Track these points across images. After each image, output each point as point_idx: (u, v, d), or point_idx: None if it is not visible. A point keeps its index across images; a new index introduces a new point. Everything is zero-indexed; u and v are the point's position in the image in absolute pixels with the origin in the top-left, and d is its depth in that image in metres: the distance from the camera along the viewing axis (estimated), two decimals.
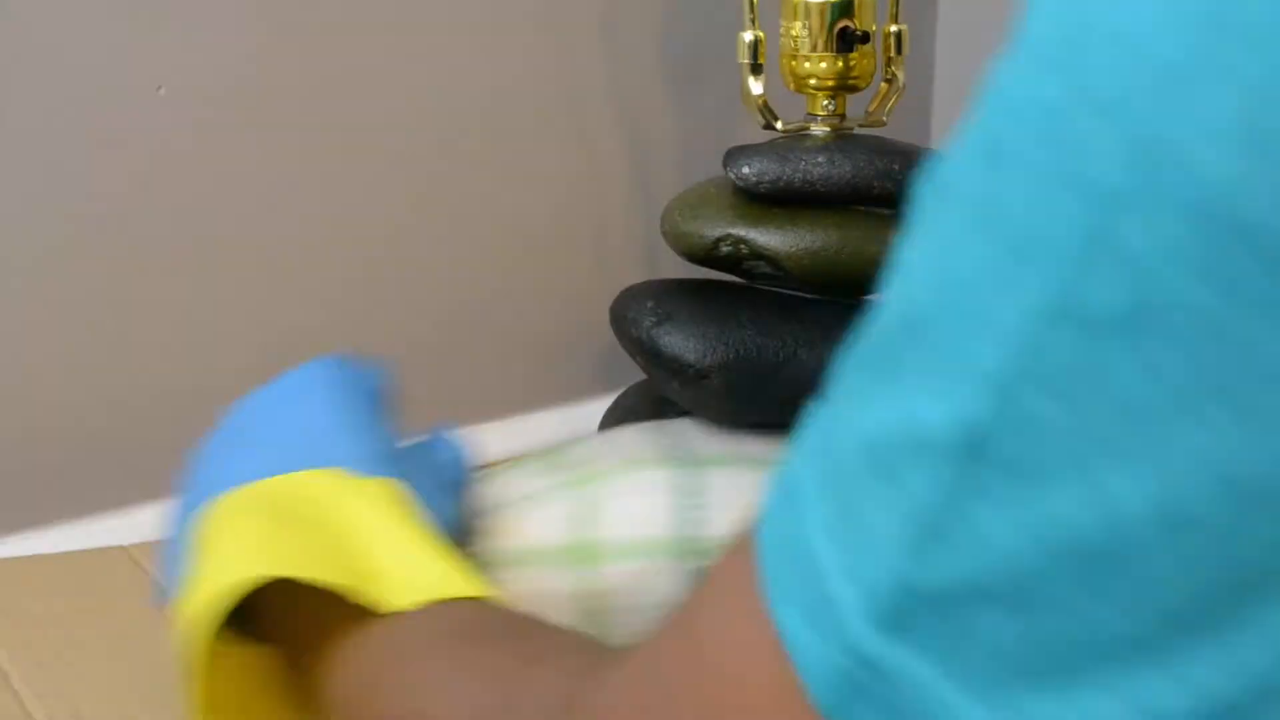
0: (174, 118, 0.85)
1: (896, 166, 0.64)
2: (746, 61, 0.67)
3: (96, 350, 0.85)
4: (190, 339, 0.88)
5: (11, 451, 0.84)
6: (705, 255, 0.66)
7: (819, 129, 0.68)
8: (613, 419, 0.72)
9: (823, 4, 0.65)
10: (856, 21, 0.65)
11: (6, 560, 0.77)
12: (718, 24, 0.99)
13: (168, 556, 0.53)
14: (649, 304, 0.66)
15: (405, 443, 0.56)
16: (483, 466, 0.85)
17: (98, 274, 0.84)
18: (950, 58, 1.12)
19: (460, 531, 0.57)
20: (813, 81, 0.67)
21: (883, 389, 0.29)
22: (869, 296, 0.68)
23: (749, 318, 0.64)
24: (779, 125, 0.68)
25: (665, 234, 0.69)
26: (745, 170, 0.64)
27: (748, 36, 0.67)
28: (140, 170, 0.84)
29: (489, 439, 0.95)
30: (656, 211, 0.95)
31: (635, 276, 0.99)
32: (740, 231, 0.64)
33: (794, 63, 0.67)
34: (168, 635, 0.69)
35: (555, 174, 0.98)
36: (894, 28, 0.69)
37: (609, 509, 0.59)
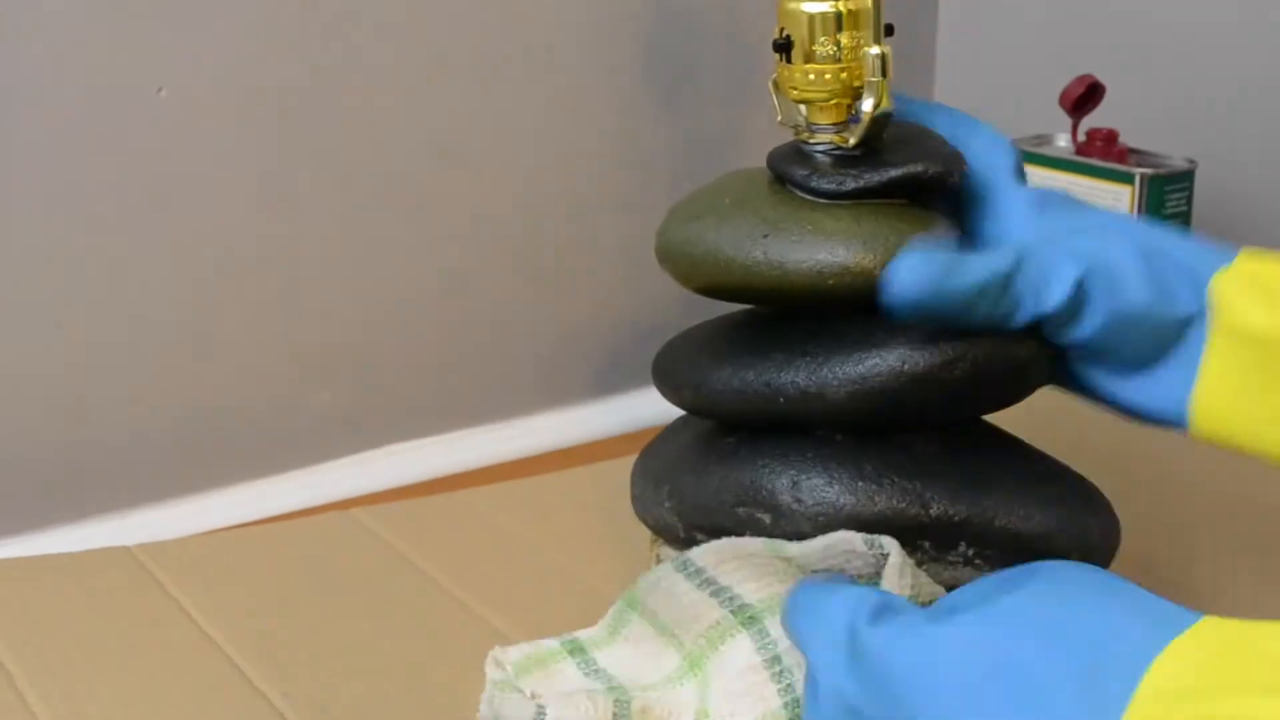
0: (174, 118, 0.84)
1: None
2: (877, 79, 0.62)
3: (96, 351, 0.85)
4: (191, 339, 0.88)
5: (14, 453, 0.84)
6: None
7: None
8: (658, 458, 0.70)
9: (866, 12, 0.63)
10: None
11: (11, 560, 0.77)
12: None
13: None
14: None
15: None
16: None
17: (97, 274, 0.84)
18: (951, 56, 1.13)
19: None
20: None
21: None
22: None
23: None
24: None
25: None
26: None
27: (874, 50, 0.62)
28: (140, 170, 0.84)
29: (487, 441, 0.96)
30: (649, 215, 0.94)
31: (631, 279, 0.99)
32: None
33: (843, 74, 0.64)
34: (172, 636, 0.69)
35: (554, 179, 0.98)
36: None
37: None
